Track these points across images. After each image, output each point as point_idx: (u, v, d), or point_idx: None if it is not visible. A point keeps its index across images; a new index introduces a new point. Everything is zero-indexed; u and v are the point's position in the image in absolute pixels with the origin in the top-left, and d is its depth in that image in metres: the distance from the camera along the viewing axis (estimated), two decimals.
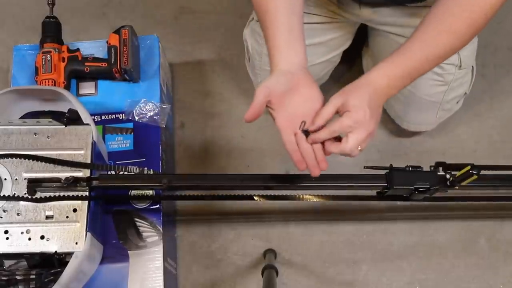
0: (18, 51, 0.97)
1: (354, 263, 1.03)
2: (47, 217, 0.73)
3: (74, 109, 0.80)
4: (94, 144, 0.79)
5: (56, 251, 0.72)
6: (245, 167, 1.09)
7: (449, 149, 1.13)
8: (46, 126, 0.78)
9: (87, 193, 0.75)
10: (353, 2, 0.85)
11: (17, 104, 0.85)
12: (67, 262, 0.71)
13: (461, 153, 1.12)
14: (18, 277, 0.71)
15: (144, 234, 0.85)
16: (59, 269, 0.72)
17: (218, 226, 1.05)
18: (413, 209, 1.06)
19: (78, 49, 0.97)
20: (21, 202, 0.74)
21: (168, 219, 0.95)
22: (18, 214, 0.74)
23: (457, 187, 0.72)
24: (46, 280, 0.72)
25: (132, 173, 0.74)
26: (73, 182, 0.72)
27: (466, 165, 0.68)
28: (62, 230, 0.73)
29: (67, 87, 0.94)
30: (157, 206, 0.87)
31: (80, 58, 0.95)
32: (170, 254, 0.93)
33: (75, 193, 0.75)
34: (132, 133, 0.93)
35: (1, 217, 0.73)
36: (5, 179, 0.74)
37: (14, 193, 0.74)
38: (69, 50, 0.95)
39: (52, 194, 0.73)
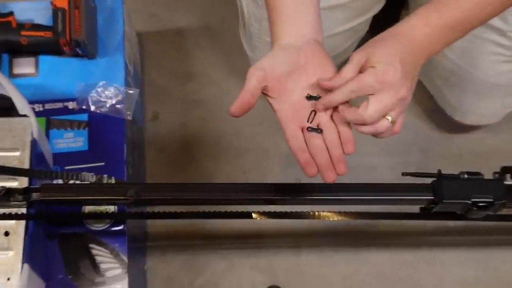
0: None
1: None
2: None
3: (6, 95, 0.80)
4: (34, 143, 0.78)
5: None
6: (241, 174, 1.10)
7: None
8: None
9: (24, 210, 0.74)
10: None
11: None
12: None
13: None
14: None
15: (102, 266, 0.85)
16: None
17: (204, 255, 1.05)
18: (470, 231, 1.06)
19: (11, 13, 0.96)
20: None
21: (135, 246, 0.95)
22: None
23: None
24: None
25: (86, 183, 0.74)
26: (5, 195, 0.71)
27: None
28: None
29: None
30: (121, 227, 0.87)
31: (14, 25, 0.95)
32: None
33: (7, 210, 0.74)
34: (87, 128, 0.93)
35: None
36: None
37: None
38: None
39: None
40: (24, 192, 0.73)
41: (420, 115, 1.16)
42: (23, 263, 0.73)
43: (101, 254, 0.86)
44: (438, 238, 1.05)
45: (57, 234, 0.86)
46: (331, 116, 0.63)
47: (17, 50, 0.96)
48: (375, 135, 0.63)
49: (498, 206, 0.71)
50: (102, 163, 0.91)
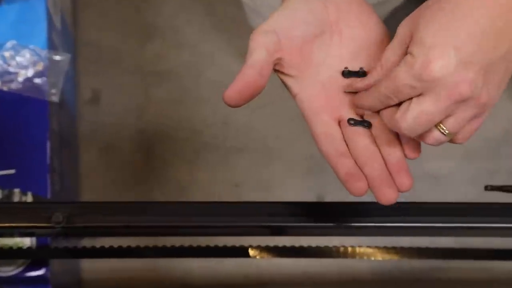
0: None
1: None
2: None
3: None
4: None
5: None
6: (231, 187, 1.08)
7: None
8: None
9: None
10: None
11: None
12: None
13: None
14: None
15: None
16: None
17: None
18: None
19: None
20: None
21: None
22: None
23: None
24: None
25: None
26: None
27: None
28: None
29: None
30: (42, 272, 0.89)
31: None
32: None
33: None
34: None
35: None
36: None
37: None
38: None
39: None
40: None
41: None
42: None
43: None
44: None
45: None
46: None
47: None
48: None
49: None
50: (12, 171, 0.91)
